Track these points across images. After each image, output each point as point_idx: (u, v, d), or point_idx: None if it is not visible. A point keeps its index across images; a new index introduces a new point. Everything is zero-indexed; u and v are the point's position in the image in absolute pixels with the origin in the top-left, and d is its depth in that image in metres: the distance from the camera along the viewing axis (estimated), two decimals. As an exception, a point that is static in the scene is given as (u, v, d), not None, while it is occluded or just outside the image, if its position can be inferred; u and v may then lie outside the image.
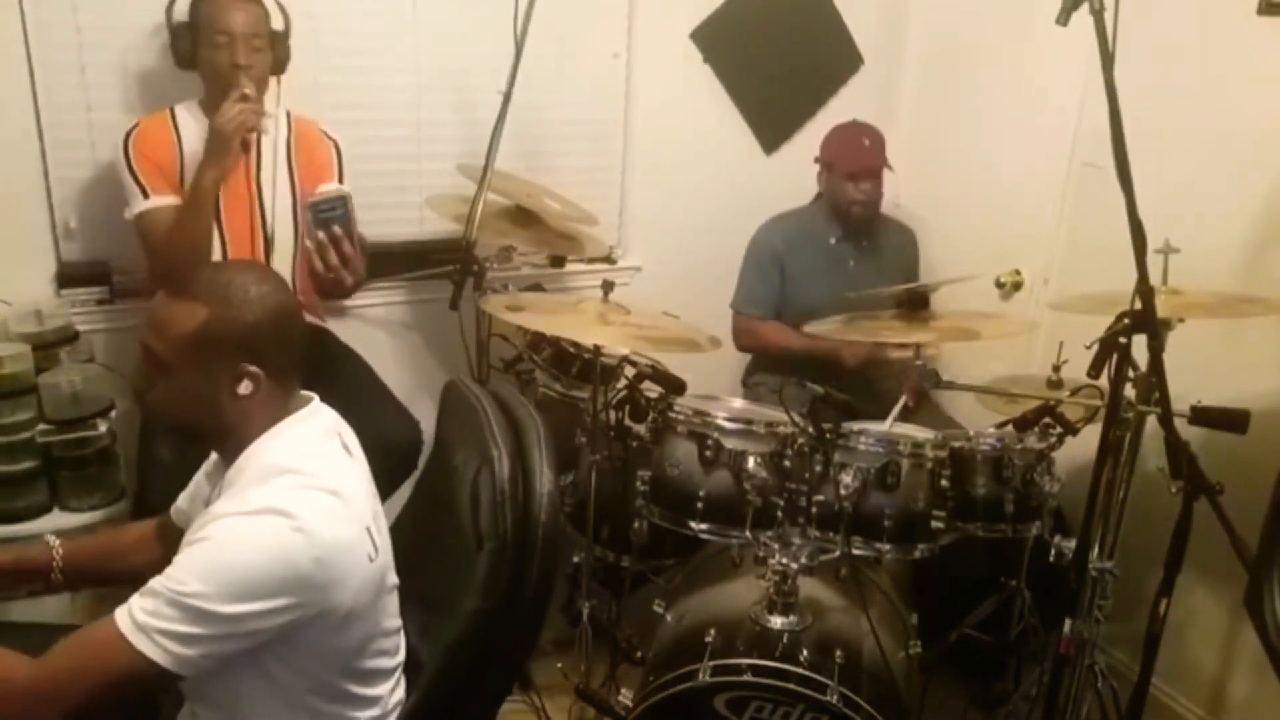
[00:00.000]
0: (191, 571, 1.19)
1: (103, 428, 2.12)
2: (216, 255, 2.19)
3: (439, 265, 2.50)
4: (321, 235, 2.04)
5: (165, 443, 2.03)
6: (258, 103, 2.13)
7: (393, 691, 1.44)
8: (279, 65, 2.26)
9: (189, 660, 1.19)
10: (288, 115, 2.33)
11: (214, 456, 1.47)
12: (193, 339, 1.28)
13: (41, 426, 2.09)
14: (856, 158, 2.76)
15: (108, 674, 1.19)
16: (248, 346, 1.30)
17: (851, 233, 2.82)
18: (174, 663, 1.18)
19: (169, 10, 2.20)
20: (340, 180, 2.35)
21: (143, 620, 1.18)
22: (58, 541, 1.51)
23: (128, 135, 2.17)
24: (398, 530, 1.54)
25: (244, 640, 1.21)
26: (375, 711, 1.40)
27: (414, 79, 2.65)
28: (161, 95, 2.31)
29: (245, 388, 1.31)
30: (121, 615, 1.19)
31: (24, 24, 2.23)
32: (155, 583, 1.19)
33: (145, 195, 2.16)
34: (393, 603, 1.43)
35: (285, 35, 2.27)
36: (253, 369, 1.30)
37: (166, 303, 1.31)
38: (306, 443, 1.34)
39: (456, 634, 1.38)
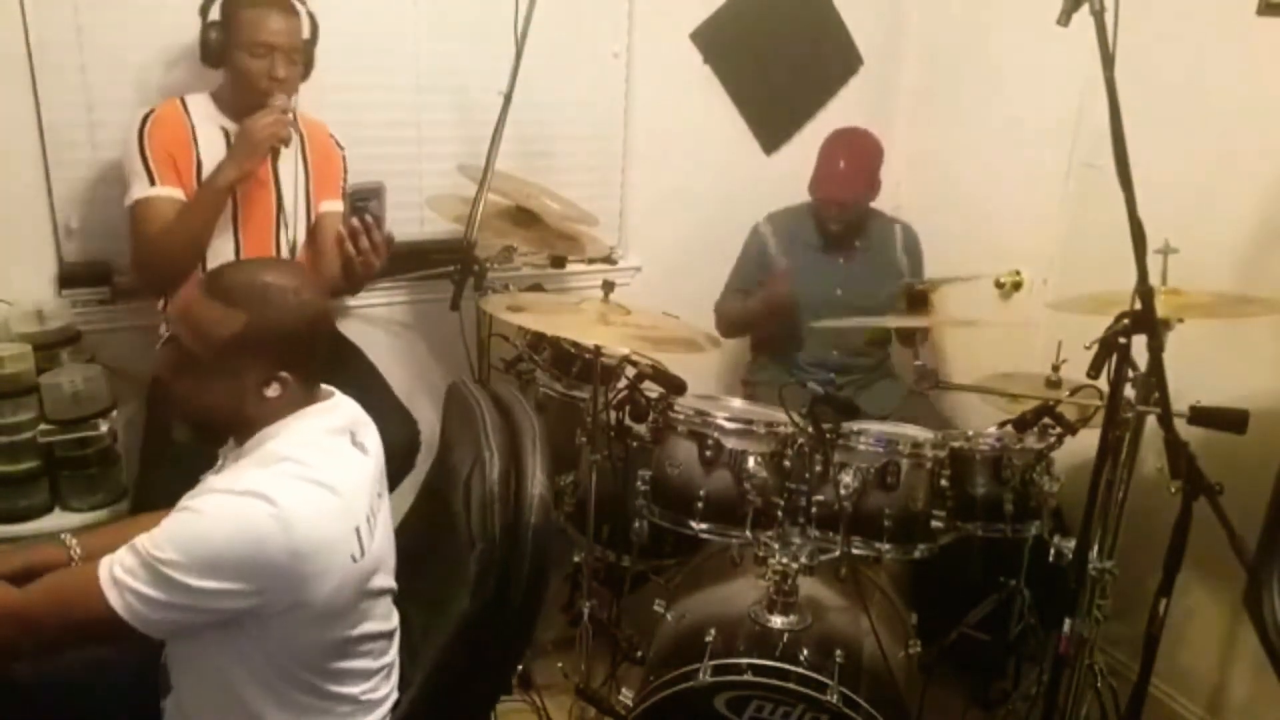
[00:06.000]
0: (170, 538, 1.21)
1: (104, 427, 2.12)
2: (230, 253, 2.17)
3: (440, 265, 2.50)
4: (355, 221, 2.05)
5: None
6: (290, 114, 2.12)
7: (374, 689, 1.43)
8: (305, 73, 2.24)
9: (152, 622, 1.22)
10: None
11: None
12: (230, 344, 1.29)
13: (43, 426, 2.09)
14: (826, 184, 2.72)
15: (80, 618, 1.24)
16: (282, 354, 1.31)
17: (838, 236, 2.80)
18: (138, 621, 1.22)
19: (205, 7, 2.15)
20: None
21: (119, 576, 1.21)
22: (75, 540, 1.50)
23: (144, 119, 2.12)
24: (402, 530, 1.54)
25: (208, 615, 1.23)
26: (349, 708, 1.40)
27: (414, 79, 2.66)
28: (164, 94, 2.30)
29: (274, 390, 1.32)
30: (104, 566, 1.23)
31: (24, 24, 2.22)
32: (139, 541, 1.22)
33: (151, 182, 2.10)
34: (380, 607, 1.43)
35: (313, 43, 2.25)
36: (284, 375, 1.31)
37: (205, 303, 1.31)
38: (313, 435, 1.35)
39: (448, 634, 1.38)
